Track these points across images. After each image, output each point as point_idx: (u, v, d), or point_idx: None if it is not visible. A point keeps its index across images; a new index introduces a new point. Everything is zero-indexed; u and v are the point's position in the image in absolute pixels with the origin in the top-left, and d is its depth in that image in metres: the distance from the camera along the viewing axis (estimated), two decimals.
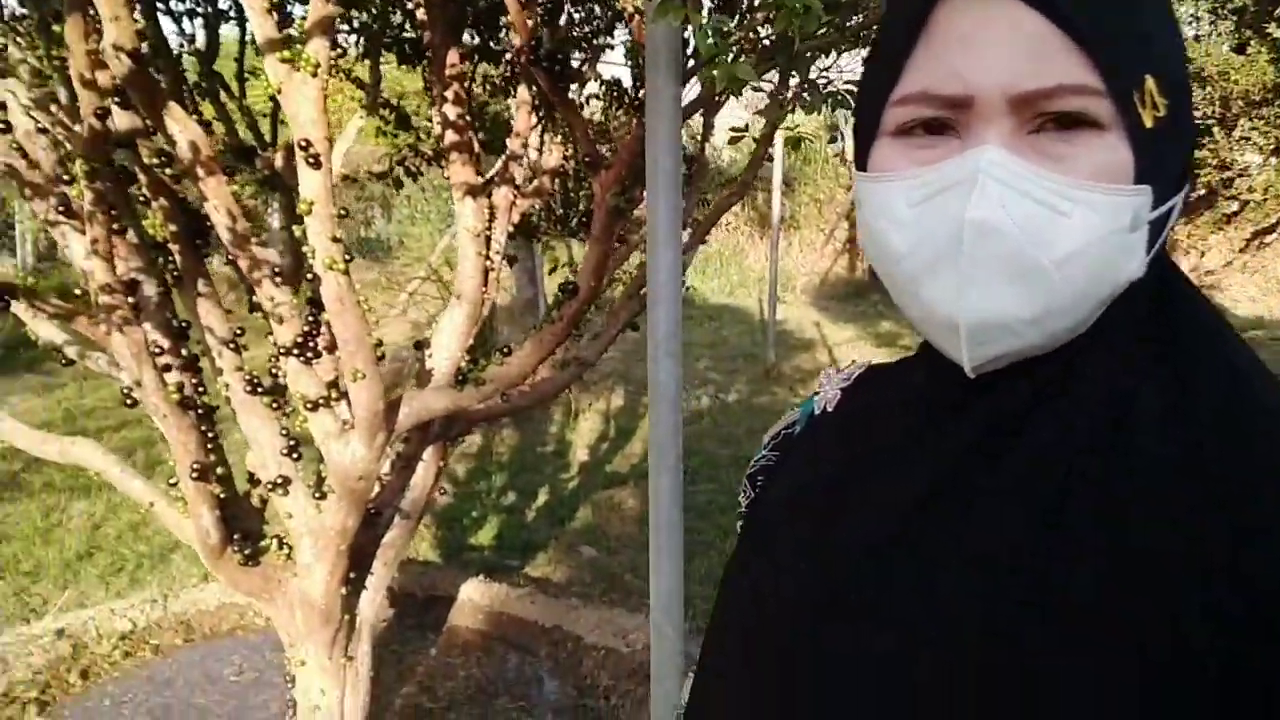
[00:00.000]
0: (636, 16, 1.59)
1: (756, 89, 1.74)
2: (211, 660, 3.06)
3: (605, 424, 6.38)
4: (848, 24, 1.57)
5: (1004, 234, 0.54)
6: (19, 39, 2.01)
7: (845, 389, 0.74)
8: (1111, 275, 0.55)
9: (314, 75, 1.80)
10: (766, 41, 1.50)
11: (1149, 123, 0.54)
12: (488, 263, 2.42)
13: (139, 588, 3.71)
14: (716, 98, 1.93)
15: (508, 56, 2.45)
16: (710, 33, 1.21)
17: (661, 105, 1.45)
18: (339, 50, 2.67)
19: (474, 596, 3.40)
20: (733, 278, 11.89)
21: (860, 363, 0.77)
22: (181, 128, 1.88)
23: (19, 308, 2.20)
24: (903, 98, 0.57)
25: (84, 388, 6.91)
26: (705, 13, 1.17)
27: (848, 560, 0.62)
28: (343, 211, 1.88)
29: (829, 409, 0.74)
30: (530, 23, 1.92)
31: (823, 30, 1.38)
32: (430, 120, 3.06)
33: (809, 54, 1.49)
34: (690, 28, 1.16)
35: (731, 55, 1.14)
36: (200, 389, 2.26)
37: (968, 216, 0.54)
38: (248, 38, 2.93)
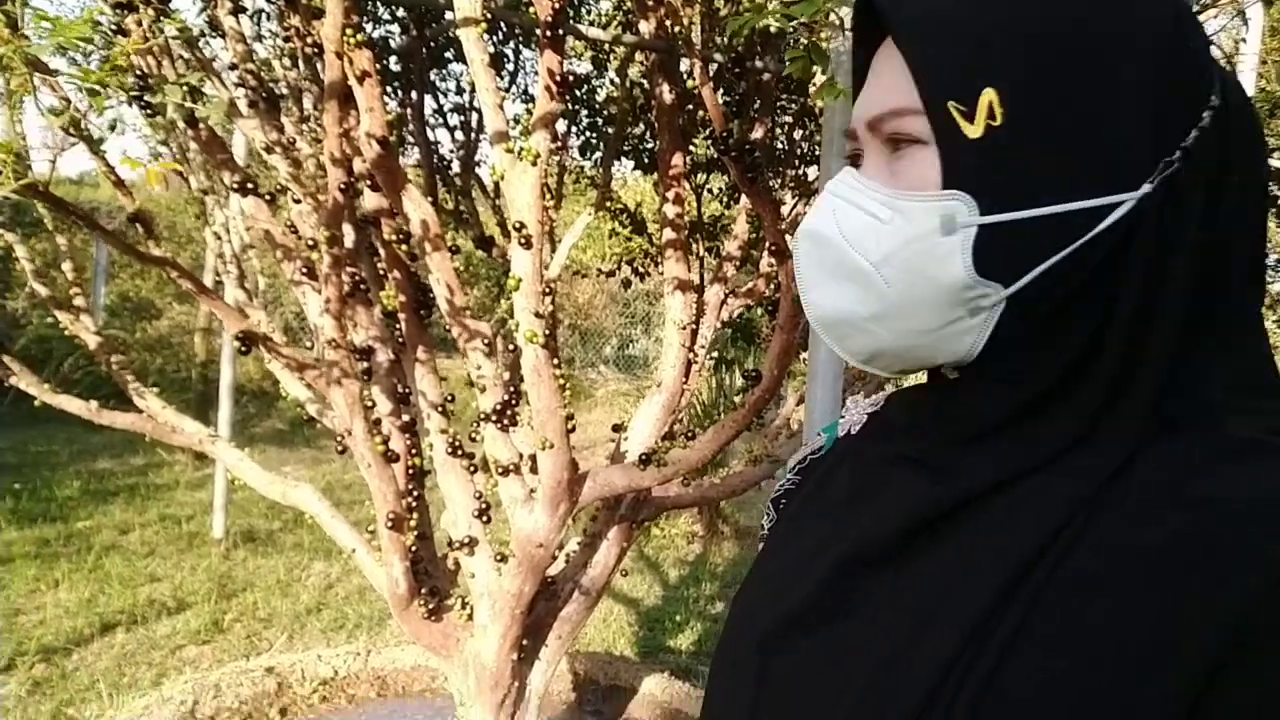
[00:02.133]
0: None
1: None
2: (397, 715, 3.22)
3: None
4: None
5: (829, 240, 0.61)
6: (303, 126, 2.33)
7: (872, 414, 0.74)
8: (931, 276, 0.57)
9: (534, 164, 1.97)
10: None
11: (975, 133, 0.56)
12: (691, 355, 2.51)
13: (350, 643, 3.96)
14: None
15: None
16: (841, 93, 1.25)
17: None
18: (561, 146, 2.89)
19: (655, 691, 3.40)
20: None
21: (888, 391, 0.77)
22: (416, 206, 2.10)
23: (275, 367, 2.49)
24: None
25: (348, 464, 7.52)
26: None
27: (797, 593, 0.65)
28: (548, 331, 2.02)
29: (852, 432, 0.74)
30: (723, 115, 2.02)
31: None
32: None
33: None
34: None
35: None
36: (414, 451, 2.45)
37: (801, 228, 0.64)
38: None
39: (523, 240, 2.00)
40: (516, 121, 2.75)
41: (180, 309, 9.30)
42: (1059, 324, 0.58)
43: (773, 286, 2.51)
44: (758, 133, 2.29)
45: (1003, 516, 0.56)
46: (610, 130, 2.88)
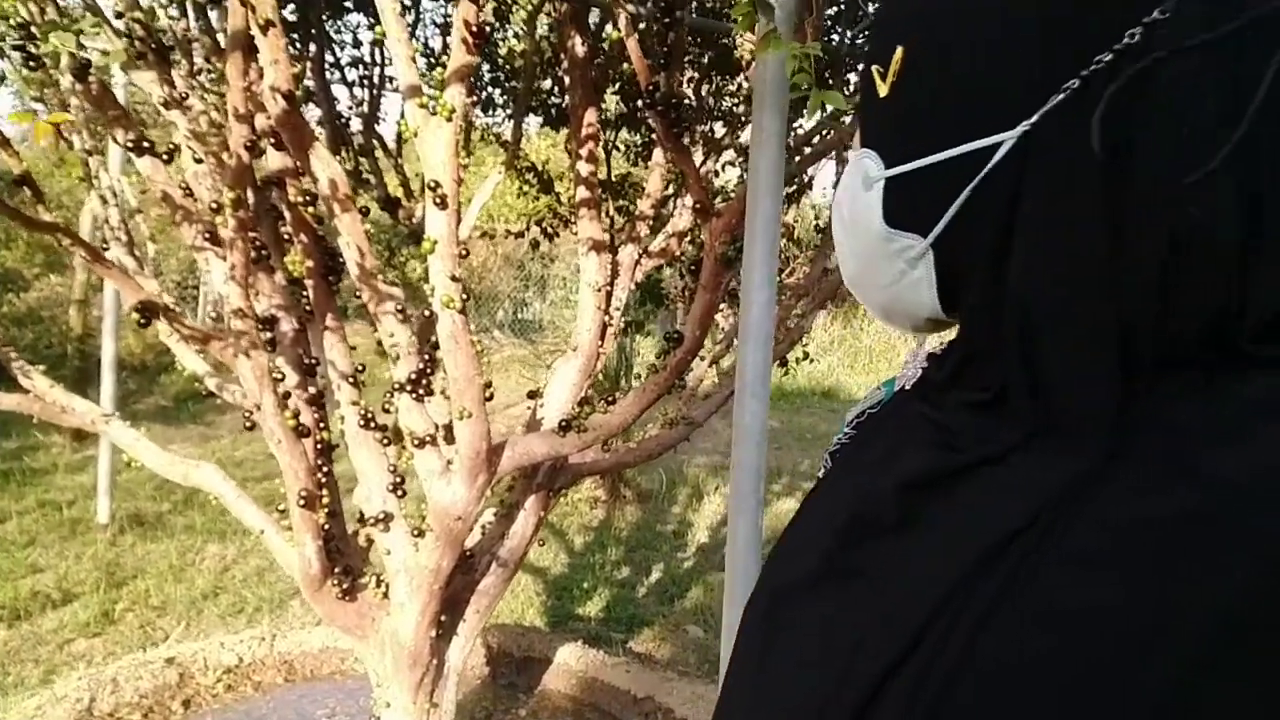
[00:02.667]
0: (751, 63, 1.61)
1: None
2: (308, 701, 3.10)
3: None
4: None
5: (838, 204, 0.65)
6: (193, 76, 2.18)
7: (925, 368, 0.71)
8: (863, 229, 0.60)
9: (448, 120, 1.88)
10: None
11: (883, 92, 0.59)
12: (606, 318, 2.45)
13: (252, 628, 3.82)
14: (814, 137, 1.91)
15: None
16: (799, 56, 1.21)
17: (764, 140, 1.45)
18: (475, 101, 2.79)
19: (570, 661, 3.36)
20: (882, 373, 11.70)
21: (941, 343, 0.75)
22: (324, 166, 1.98)
23: (168, 337, 2.34)
24: None
25: (237, 441, 7.25)
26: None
27: (811, 552, 0.64)
28: (465, 295, 1.94)
29: (907, 388, 0.71)
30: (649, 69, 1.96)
31: None
32: (570, 185, 3.16)
33: None
34: (789, 61, 1.16)
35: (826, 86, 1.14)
36: (322, 425, 2.34)
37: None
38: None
39: (438, 200, 1.91)
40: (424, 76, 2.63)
41: (55, 280, 8.80)
42: (999, 277, 0.55)
43: (688, 246, 2.47)
44: (683, 87, 2.23)
45: (998, 485, 0.54)
46: (516, 85, 2.78)
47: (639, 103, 2.10)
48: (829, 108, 1.20)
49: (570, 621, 4.31)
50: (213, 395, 2.43)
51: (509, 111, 2.93)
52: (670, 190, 2.73)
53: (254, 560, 4.89)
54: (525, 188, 3.15)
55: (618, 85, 2.89)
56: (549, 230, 3.14)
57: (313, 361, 2.33)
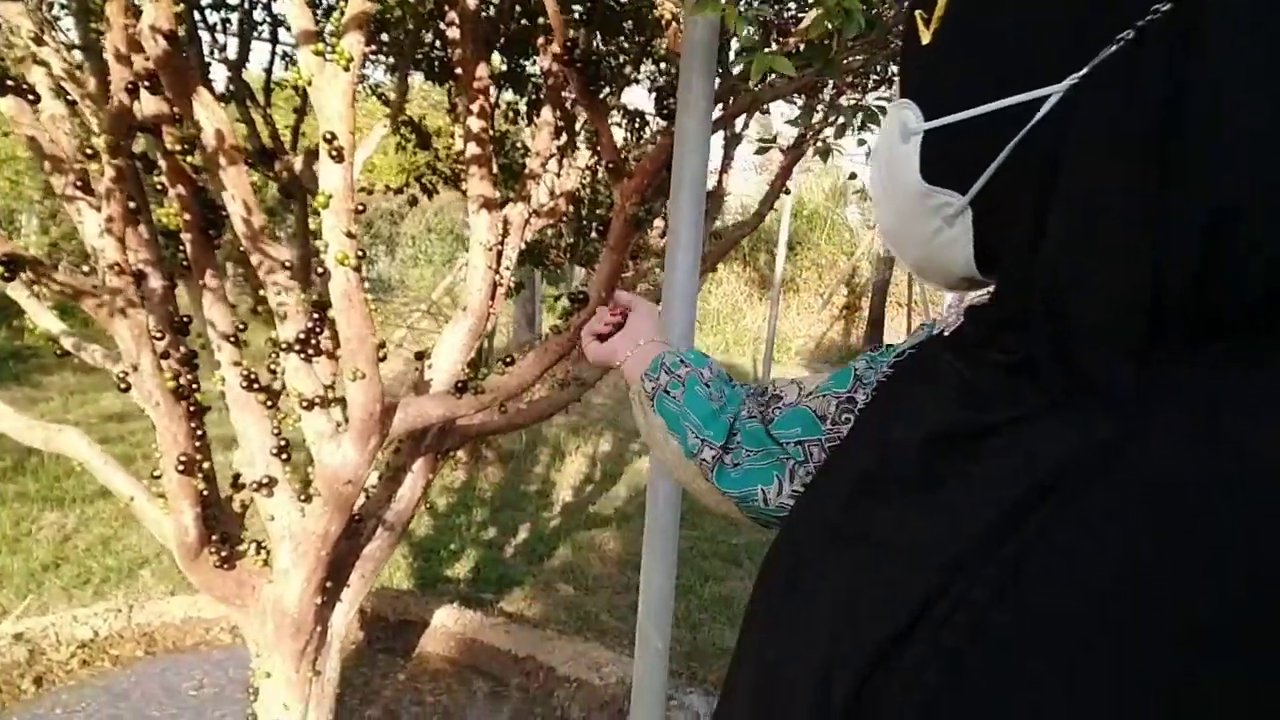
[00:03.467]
0: (673, 24, 1.59)
1: (789, 122, 1.75)
2: (171, 674, 2.97)
3: (592, 467, 6.32)
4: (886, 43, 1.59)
5: (877, 154, 0.64)
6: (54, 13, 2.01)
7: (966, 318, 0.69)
8: (899, 183, 0.59)
9: (346, 69, 1.80)
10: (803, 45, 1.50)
11: (925, 40, 0.57)
12: (497, 278, 2.41)
13: (103, 601, 3.62)
14: (745, 116, 1.92)
15: (538, 71, 2.45)
16: (751, 21, 1.21)
17: (693, 100, 1.44)
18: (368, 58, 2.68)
19: (447, 623, 3.33)
20: (729, 335, 11.93)
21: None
22: (208, 114, 1.87)
23: (19, 294, 2.18)
24: None
25: (69, 403, 6.82)
26: (743, 5, 1.18)
27: (831, 503, 0.65)
28: (360, 252, 1.87)
29: (945, 333, 0.70)
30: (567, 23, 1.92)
31: (857, 39, 1.38)
32: (450, 141, 3.07)
33: (845, 60, 1.50)
34: (728, 22, 1.16)
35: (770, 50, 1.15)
36: (194, 386, 2.22)
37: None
38: (278, 51, 2.97)
39: (333, 153, 1.83)
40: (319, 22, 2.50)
41: None
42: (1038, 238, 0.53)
43: (590, 206, 2.45)
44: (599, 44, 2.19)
45: (1020, 447, 0.52)
46: (400, 37, 2.68)
47: (529, 59, 2.05)
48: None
49: (439, 584, 4.25)
50: (35, 354, 2.28)
51: (389, 63, 2.83)
52: (556, 150, 2.69)
53: (97, 528, 4.63)
54: (403, 142, 3.05)
55: (501, 42, 2.82)
56: (429, 186, 3.06)
57: (185, 319, 2.21)
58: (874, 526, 0.58)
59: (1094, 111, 0.49)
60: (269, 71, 2.88)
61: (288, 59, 3.10)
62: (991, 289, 0.61)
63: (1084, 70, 0.49)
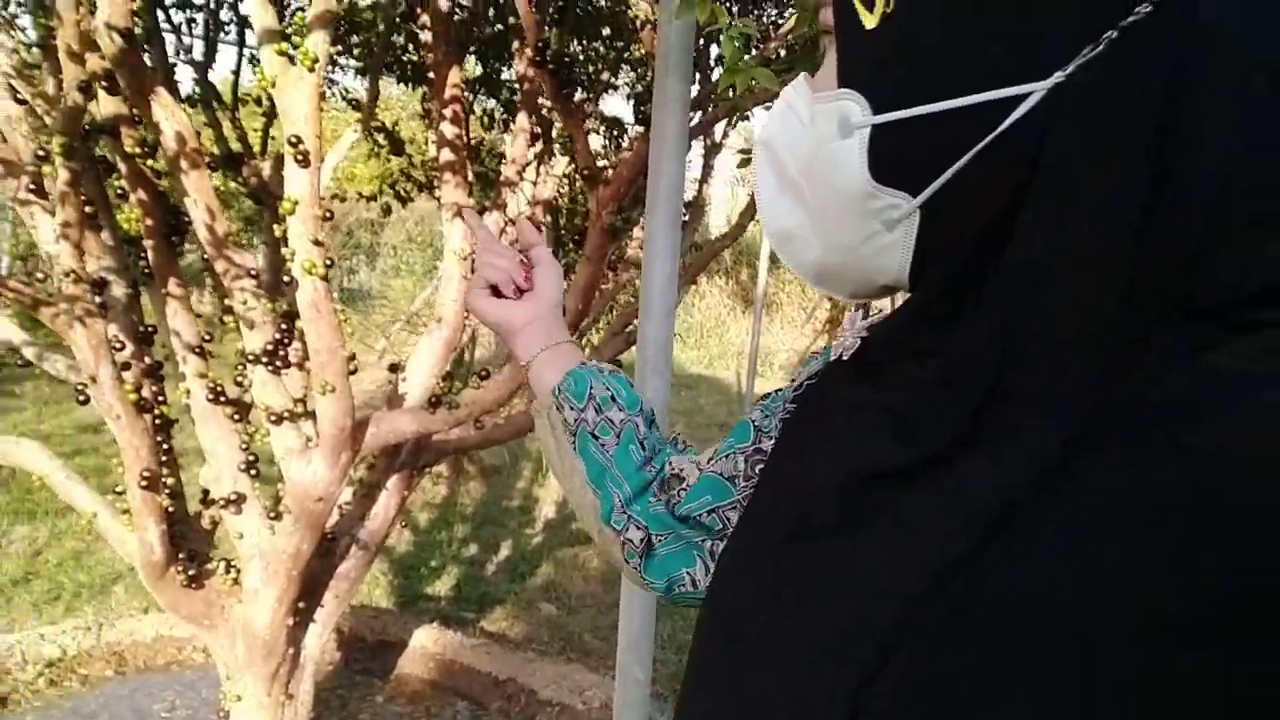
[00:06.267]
0: (648, 26, 1.54)
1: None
2: (142, 695, 2.88)
3: None
4: None
5: (773, 149, 0.58)
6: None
7: (864, 338, 0.65)
8: (836, 184, 0.53)
9: (311, 70, 1.74)
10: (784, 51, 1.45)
11: (871, 23, 0.51)
12: None
13: (72, 618, 3.53)
14: (728, 120, 1.87)
15: (513, 74, 2.39)
16: (736, 37, 1.16)
17: (669, 103, 1.38)
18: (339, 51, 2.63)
19: (426, 644, 3.25)
20: (713, 349, 11.89)
21: (885, 312, 0.68)
22: (168, 115, 1.81)
23: None
24: None
25: (43, 413, 6.70)
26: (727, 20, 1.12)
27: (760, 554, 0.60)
28: (328, 261, 1.80)
29: (844, 357, 0.66)
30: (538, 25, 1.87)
31: None
32: (424, 147, 3.01)
33: None
34: (705, 27, 1.10)
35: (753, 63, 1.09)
36: (160, 398, 2.15)
37: (757, 136, 0.60)
38: (245, 55, 2.90)
39: (299, 157, 1.77)
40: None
41: None
42: (992, 242, 0.49)
43: (568, 215, 2.39)
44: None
45: (959, 480, 0.49)
46: (371, 40, 2.62)
47: (506, 64, 2.00)
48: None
49: (420, 601, 4.17)
50: (5, 364, 2.20)
51: (359, 66, 2.76)
52: (533, 157, 2.64)
53: (69, 543, 4.54)
54: (376, 149, 2.99)
55: (475, 46, 2.77)
56: (403, 194, 3.00)
57: (149, 329, 2.14)
58: (812, 578, 0.54)
59: (1081, 110, 0.46)
60: (236, 74, 2.81)
61: (255, 61, 3.04)
62: (898, 302, 0.59)
63: (1071, 66, 0.45)
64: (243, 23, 2.82)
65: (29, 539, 4.57)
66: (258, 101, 2.86)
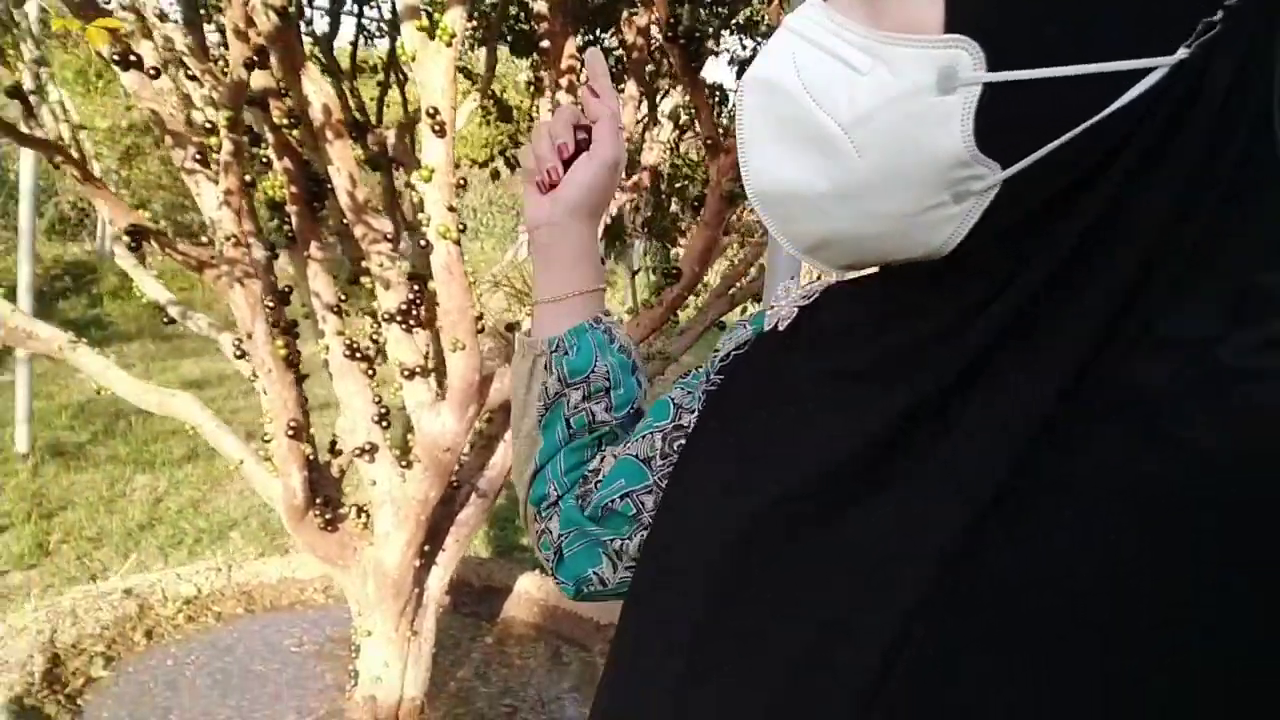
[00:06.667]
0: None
1: None
2: (272, 631, 3.09)
3: None
4: None
5: (787, 93, 0.48)
6: None
7: (804, 307, 0.62)
8: (921, 145, 0.45)
9: (448, 45, 1.84)
10: None
11: None
12: None
13: (197, 560, 3.76)
14: None
15: (623, 45, 2.47)
16: None
17: None
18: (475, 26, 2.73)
19: (530, 589, 3.40)
20: None
21: (830, 279, 0.63)
22: (317, 89, 1.93)
23: (128, 264, 2.27)
24: None
25: (150, 369, 7.02)
26: None
27: (750, 528, 0.54)
28: (461, 225, 1.91)
29: (780, 328, 0.62)
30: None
31: None
32: (528, 114, 3.10)
33: None
34: None
35: None
36: (298, 354, 2.31)
37: (749, 75, 0.50)
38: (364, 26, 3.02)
39: (435, 127, 1.88)
40: None
41: None
42: (1050, 218, 0.46)
43: (669, 180, 2.47)
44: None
45: (952, 453, 0.47)
46: (490, 11, 2.72)
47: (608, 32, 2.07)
48: None
49: (516, 552, 4.34)
50: (114, 322, 2.37)
51: (477, 38, 2.87)
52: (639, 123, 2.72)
53: (187, 491, 4.79)
54: (486, 116, 3.10)
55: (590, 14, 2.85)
56: (511, 160, 3.11)
57: (286, 289, 2.29)
58: (799, 579, 0.50)
59: (1201, 88, 0.44)
60: (354, 45, 2.94)
61: (369, 36, 3.16)
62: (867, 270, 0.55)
63: (1191, 44, 0.43)
64: (360, 3, 2.94)
65: (150, 487, 4.83)
66: (374, 69, 2.99)
